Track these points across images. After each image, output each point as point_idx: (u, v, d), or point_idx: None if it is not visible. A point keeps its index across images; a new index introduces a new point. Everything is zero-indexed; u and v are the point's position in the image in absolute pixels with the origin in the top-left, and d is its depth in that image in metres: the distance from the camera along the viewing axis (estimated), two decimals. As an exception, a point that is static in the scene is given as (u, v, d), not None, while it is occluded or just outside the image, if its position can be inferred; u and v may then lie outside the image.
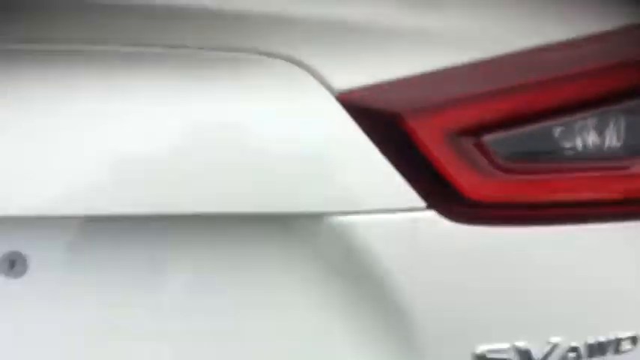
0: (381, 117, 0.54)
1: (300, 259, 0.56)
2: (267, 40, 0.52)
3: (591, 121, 0.59)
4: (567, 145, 0.59)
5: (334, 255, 0.56)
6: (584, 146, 0.60)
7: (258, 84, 0.52)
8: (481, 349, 0.59)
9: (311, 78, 0.53)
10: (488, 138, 0.56)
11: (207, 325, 0.56)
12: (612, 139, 0.60)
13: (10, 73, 0.49)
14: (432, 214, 0.55)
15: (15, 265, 0.54)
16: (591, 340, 0.63)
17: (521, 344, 0.60)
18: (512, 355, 0.60)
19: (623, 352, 0.65)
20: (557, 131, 0.58)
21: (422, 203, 0.55)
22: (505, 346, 0.60)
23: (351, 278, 0.56)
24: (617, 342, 0.64)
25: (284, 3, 0.53)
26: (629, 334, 0.65)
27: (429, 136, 0.55)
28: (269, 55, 0.52)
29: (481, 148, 0.56)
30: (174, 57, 0.51)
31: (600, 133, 0.60)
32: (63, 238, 0.54)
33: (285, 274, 0.57)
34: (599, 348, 0.64)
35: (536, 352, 0.61)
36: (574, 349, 0.62)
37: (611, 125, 0.60)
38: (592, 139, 0.60)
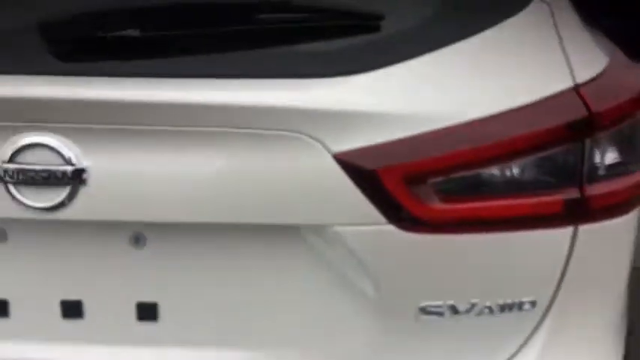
0: (361, 169, 0.86)
1: (306, 252, 0.92)
2: (289, 122, 0.85)
3: (500, 170, 0.90)
4: (481, 185, 0.90)
5: (330, 250, 0.91)
6: (495, 185, 0.91)
7: (282, 149, 0.86)
8: (423, 304, 0.95)
9: (317, 144, 0.85)
10: (430, 181, 0.88)
11: (240, 297, 0.94)
12: (512, 182, 0.91)
13: None
14: (390, 227, 0.88)
15: (139, 241, 0.93)
16: (500, 302, 0.97)
17: (450, 302, 0.95)
18: (444, 309, 0.95)
19: (525, 310, 0.99)
20: (475, 177, 0.89)
21: (384, 220, 0.88)
22: (439, 303, 0.95)
23: (339, 265, 0.92)
24: (520, 304, 0.98)
25: (299, 99, 0.85)
26: (530, 298, 0.98)
27: (392, 181, 0.87)
28: (290, 131, 0.85)
29: (425, 187, 0.88)
30: (227, 135, 0.84)
31: (506, 176, 0.90)
32: (169, 230, 0.92)
33: (296, 262, 0.93)
34: (506, 307, 0.97)
35: (461, 308, 0.96)
36: (488, 307, 0.97)
37: (513, 172, 0.90)
38: (500, 181, 0.91)
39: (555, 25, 1.00)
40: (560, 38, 0.98)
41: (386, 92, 0.87)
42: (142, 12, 0.86)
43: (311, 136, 0.84)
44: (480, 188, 0.91)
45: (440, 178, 0.88)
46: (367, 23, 0.90)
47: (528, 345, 1.01)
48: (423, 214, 0.88)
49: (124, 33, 0.83)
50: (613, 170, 0.96)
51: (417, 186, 0.87)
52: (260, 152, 0.85)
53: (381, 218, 0.87)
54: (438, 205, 0.89)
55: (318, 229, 0.89)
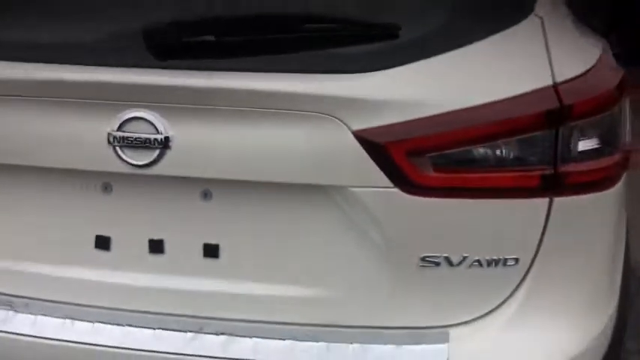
0: (373, 143, 1.12)
1: (333, 209, 1.18)
2: (321, 106, 1.12)
3: (485, 148, 1.14)
4: (469, 160, 1.14)
5: (350, 207, 1.17)
6: (481, 161, 1.15)
7: (315, 126, 1.13)
8: (423, 254, 1.19)
9: (340, 123, 1.12)
10: (427, 155, 1.12)
11: (282, 242, 1.21)
12: (496, 158, 1.14)
13: None
14: (395, 190, 1.14)
15: (207, 195, 1.23)
16: (488, 257, 1.20)
17: (445, 254, 1.19)
18: (441, 260, 1.19)
19: (509, 266, 1.21)
20: (464, 153, 1.14)
21: (391, 184, 1.14)
22: (437, 254, 1.19)
23: (357, 220, 1.18)
24: (505, 260, 1.21)
25: (328, 89, 1.12)
26: (513, 256, 1.21)
27: (398, 154, 1.12)
28: (322, 113, 1.12)
29: (423, 159, 1.13)
30: (275, 115, 1.12)
31: (490, 153, 1.14)
32: (230, 188, 1.21)
33: (325, 216, 1.19)
34: (493, 262, 1.20)
35: (454, 260, 1.19)
36: (477, 261, 1.20)
37: (496, 151, 1.14)
38: (485, 157, 1.14)
39: (545, 36, 1.22)
40: (547, 47, 1.21)
41: (394, 85, 1.13)
42: (216, 23, 1.17)
43: (337, 117, 1.12)
44: (467, 162, 1.15)
45: (435, 153, 1.13)
46: (385, 33, 1.17)
47: (512, 298, 1.23)
48: (421, 181, 1.13)
49: (202, 38, 1.14)
50: (585, 153, 1.18)
51: (416, 158, 1.13)
52: (299, 129, 1.13)
53: (388, 182, 1.13)
54: (433, 174, 1.14)
55: (341, 190, 1.16)
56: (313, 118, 1.12)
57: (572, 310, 1.27)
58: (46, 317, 1.28)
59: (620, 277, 1.43)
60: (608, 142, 1.22)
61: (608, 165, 1.21)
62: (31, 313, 1.29)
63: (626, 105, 1.36)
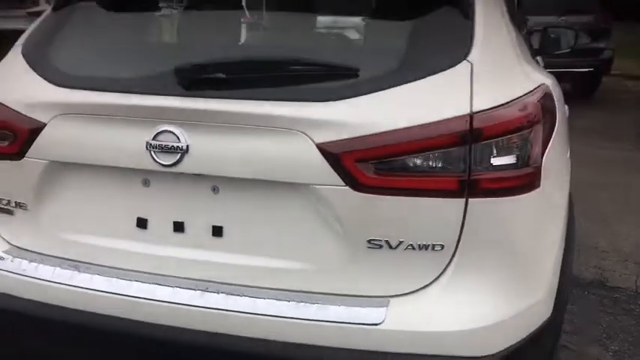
0: (332, 153, 1.53)
1: (303, 202, 1.59)
2: (293, 125, 1.55)
3: (414, 159, 1.52)
4: (402, 167, 1.53)
5: (315, 201, 1.58)
6: (411, 168, 1.53)
7: (289, 140, 1.56)
8: (369, 238, 1.58)
9: (307, 138, 1.55)
10: (371, 162, 1.52)
11: (267, 226, 1.62)
12: (423, 166, 1.52)
13: None
14: (346, 188, 1.54)
15: (215, 189, 1.67)
16: (419, 243, 1.57)
17: (386, 239, 1.57)
18: (383, 243, 1.58)
19: (437, 251, 1.58)
20: (398, 162, 1.52)
21: (343, 183, 1.54)
22: (379, 238, 1.57)
23: (321, 210, 1.57)
24: (433, 246, 1.58)
25: (299, 113, 1.55)
26: (439, 243, 1.57)
27: (348, 161, 1.53)
28: (294, 130, 1.55)
29: (367, 165, 1.52)
30: (260, 131, 1.56)
31: (418, 163, 1.52)
32: (232, 184, 1.65)
33: (298, 207, 1.59)
34: (424, 246, 1.57)
35: (393, 243, 1.57)
36: (411, 245, 1.58)
37: (423, 161, 1.52)
38: (414, 165, 1.52)
39: (471, 77, 1.60)
40: (472, 85, 1.58)
41: (348, 111, 1.54)
42: (223, 66, 1.63)
43: (305, 133, 1.54)
44: (401, 169, 1.54)
45: (376, 161, 1.53)
46: (345, 74, 1.59)
47: (441, 276, 1.59)
48: (365, 182, 1.53)
49: (212, 76, 1.60)
50: (497, 165, 1.54)
51: (362, 164, 1.53)
52: (277, 141, 1.56)
53: (341, 182, 1.54)
54: (375, 177, 1.53)
55: (308, 187, 1.58)
56: (289, 133, 1.55)
57: (489, 290, 1.61)
58: (99, 276, 1.75)
59: (552, 274, 1.75)
60: (519, 157, 1.58)
61: (518, 175, 1.57)
62: (88, 273, 1.76)
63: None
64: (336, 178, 1.53)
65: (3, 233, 1.89)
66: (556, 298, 1.80)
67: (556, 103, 1.87)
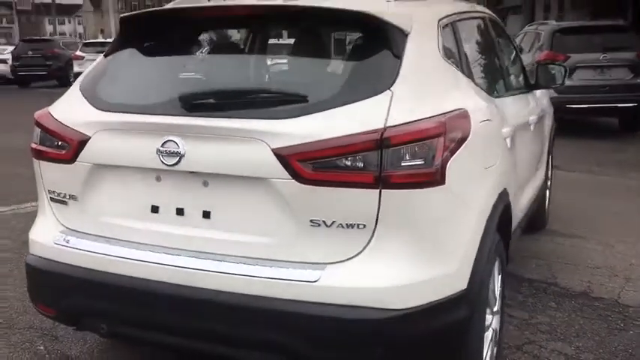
0: (282, 155, 2.12)
1: (266, 191, 2.17)
2: (255, 135, 2.15)
3: (341, 160, 2.09)
4: (332, 165, 2.09)
5: (273, 191, 2.15)
6: (339, 166, 2.10)
7: (252, 146, 2.17)
8: (310, 218, 2.15)
9: (265, 144, 2.15)
10: (309, 162, 2.09)
11: (238, 211, 2.23)
12: (347, 165, 2.09)
13: None
14: (293, 180, 2.11)
15: (206, 183, 2.29)
16: (347, 222, 2.12)
17: (323, 219, 2.13)
18: (320, 222, 2.13)
19: (360, 229, 2.13)
20: (330, 161, 2.08)
21: (290, 177, 2.12)
22: (318, 218, 2.13)
23: (277, 198, 2.15)
24: (358, 225, 2.11)
25: (260, 127, 2.16)
26: (362, 223, 2.12)
27: (293, 161, 2.11)
28: (246, 133, 2.15)
29: (307, 164, 2.09)
30: (231, 139, 2.18)
31: (343, 163, 2.09)
32: (218, 180, 2.27)
33: (262, 194, 2.17)
34: (350, 225, 2.12)
35: (328, 222, 2.11)
36: (341, 224, 2.13)
37: (348, 161, 2.09)
38: (341, 164, 2.09)
39: (390, 102, 2.15)
40: (390, 108, 2.14)
41: (295, 127, 2.13)
42: (209, 94, 2.28)
43: (264, 141, 2.15)
44: (332, 166, 2.10)
45: (313, 161, 2.11)
46: (297, 100, 2.20)
47: (364, 249, 2.14)
48: (306, 176, 2.11)
49: (202, 101, 2.25)
50: (404, 165, 2.09)
51: (303, 163, 2.11)
52: (246, 147, 2.17)
53: (289, 176, 2.12)
54: (312, 173, 2.11)
55: (267, 180, 2.17)
56: (254, 141, 2.16)
57: (402, 260, 2.13)
58: (124, 248, 2.39)
59: (463, 255, 2.27)
60: (424, 160, 2.11)
61: (422, 173, 2.11)
62: (118, 246, 2.41)
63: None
64: (285, 173, 2.12)
65: (59, 218, 2.57)
66: (470, 276, 2.31)
67: (471, 123, 2.38)
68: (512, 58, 4.20)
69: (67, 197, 2.51)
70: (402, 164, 2.09)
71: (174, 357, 3.17)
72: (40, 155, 2.56)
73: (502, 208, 2.63)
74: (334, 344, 2.11)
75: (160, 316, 2.29)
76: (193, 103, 2.26)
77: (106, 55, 2.75)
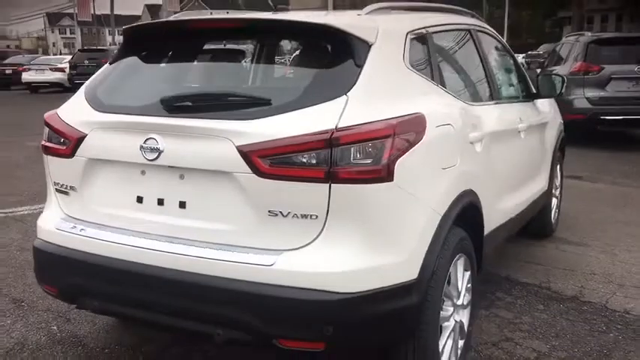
0: (244, 152, 2.37)
1: (231, 183, 2.41)
2: (222, 133, 2.42)
3: (294, 157, 2.32)
4: (286, 162, 2.32)
5: (237, 183, 2.39)
6: (294, 162, 2.33)
7: (218, 143, 2.42)
8: (269, 209, 2.38)
9: (230, 142, 2.40)
10: (267, 158, 2.33)
11: (208, 203, 2.48)
12: (301, 162, 2.31)
13: None
14: (253, 175, 2.35)
15: (182, 177, 2.57)
16: (302, 213, 2.34)
17: (280, 210, 2.36)
18: (278, 212, 2.37)
19: (314, 219, 2.36)
20: (286, 158, 2.33)
21: (251, 172, 2.37)
22: (275, 209, 2.37)
23: (240, 190, 2.39)
24: (311, 215, 2.35)
25: (226, 127, 2.42)
26: (315, 214, 2.35)
27: (254, 157, 2.36)
28: (215, 132, 2.40)
29: (265, 160, 2.33)
30: (200, 137, 2.45)
31: (297, 160, 2.33)
32: (192, 174, 2.54)
33: (229, 188, 2.42)
34: (305, 216, 2.34)
35: (284, 213, 2.34)
36: (296, 214, 2.36)
37: (302, 159, 2.32)
38: (295, 161, 2.32)
39: (345, 106, 2.37)
40: (343, 111, 2.37)
41: (257, 127, 2.37)
42: (184, 98, 2.55)
43: (230, 139, 2.41)
44: (287, 162, 2.33)
45: (271, 157, 2.35)
46: (261, 103, 2.45)
47: (317, 237, 2.36)
48: (264, 171, 2.35)
49: (179, 104, 2.53)
50: (352, 162, 2.31)
51: (262, 159, 2.35)
52: (214, 144, 2.43)
53: (249, 171, 2.37)
54: (270, 168, 2.35)
55: (231, 174, 2.41)
56: (221, 140, 2.41)
57: (351, 248, 2.34)
58: (113, 233, 2.67)
59: (414, 247, 2.47)
60: (372, 158, 2.33)
61: (370, 170, 2.32)
62: (108, 232, 2.70)
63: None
64: (246, 168, 2.37)
65: (62, 206, 2.89)
66: (422, 268, 2.51)
67: (427, 127, 2.58)
68: (506, 68, 4.35)
69: (68, 188, 2.83)
70: (351, 162, 2.30)
71: (171, 337, 3.46)
72: (47, 151, 2.89)
73: (463, 206, 2.81)
74: (287, 323, 2.34)
75: (140, 295, 2.57)
76: (172, 105, 2.54)
77: (110, 63, 3.07)
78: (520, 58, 18.53)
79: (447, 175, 2.71)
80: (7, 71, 26.58)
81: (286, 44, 2.88)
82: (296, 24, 2.68)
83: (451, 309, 2.86)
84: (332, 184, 2.30)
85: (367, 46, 2.58)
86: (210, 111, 2.50)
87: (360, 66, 2.51)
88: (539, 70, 12.79)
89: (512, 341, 3.50)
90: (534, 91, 4.57)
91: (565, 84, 4.44)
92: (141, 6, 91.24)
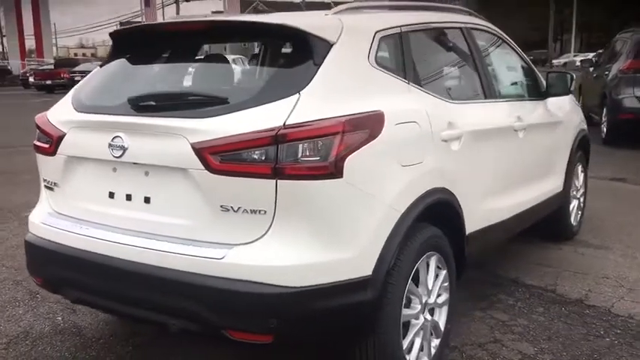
0: (197, 149, 2.44)
1: (187, 179, 2.49)
2: (177, 131, 2.52)
3: (243, 153, 2.39)
4: (234, 158, 2.39)
5: (192, 179, 2.47)
6: (241, 158, 2.39)
7: (174, 141, 2.51)
8: (221, 204, 2.47)
9: (185, 139, 2.49)
10: (218, 155, 2.41)
11: (165, 196, 2.58)
12: (250, 158, 2.38)
13: None
14: (205, 171, 2.42)
15: (147, 174, 2.68)
16: (251, 208, 2.39)
17: (231, 205, 2.43)
18: (229, 207, 2.43)
19: (262, 214, 2.41)
20: (234, 154, 2.39)
21: (203, 168, 2.44)
22: (226, 204, 2.45)
23: (196, 185, 2.46)
24: (260, 210, 2.38)
25: (180, 124, 2.51)
26: (263, 209, 2.41)
27: (206, 154, 2.43)
28: (172, 130, 2.50)
29: (216, 156, 2.40)
30: (157, 134, 2.55)
31: (247, 155, 2.39)
32: (155, 170, 2.65)
33: (186, 183, 2.50)
34: (254, 211, 2.38)
35: (235, 208, 2.43)
36: (246, 209, 2.41)
37: (249, 155, 2.39)
38: (241, 158, 2.39)
39: (296, 104, 2.42)
40: (294, 108, 2.41)
41: (210, 125, 2.45)
42: (147, 98, 2.66)
43: (185, 137, 2.50)
44: (237, 159, 2.39)
45: (221, 154, 2.42)
46: (217, 102, 2.53)
47: (267, 232, 2.42)
48: (215, 167, 2.42)
49: (143, 104, 2.64)
50: (298, 158, 2.35)
51: (213, 156, 2.42)
52: (172, 142, 2.52)
53: (202, 167, 2.44)
54: (220, 164, 2.42)
55: (187, 170, 2.50)
56: (177, 137, 2.50)
57: (299, 243, 2.38)
58: (88, 227, 2.81)
59: (366, 244, 2.49)
60: (320, 155, 2.37)
61: (318, 167, 2.36)
62: (83, 226, 2.84)
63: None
64: (199, 164, 2.44)
65: (50, 202, 3.06)
66: (377, 264, 2.52)
67: (385, 124, 2.59)
68: (507, 66, 4.28)
69: (53, 184, 2.99)
70: (298, 158, 2.35)
71: (159, 330, 3.58)
72: (37, 150, 3.06)
73: (431, 204, 2.80)
74: (234, 314, 2.40)
75: (109, 287, 2.70)
76: (137, 105, 2.65)
77: (101, 66, 3.23)
78: (590, 56, 17.99)
79: (408, 173, 2.71)
80: (77, 78, 27.80)
81: (250, 45, 2.95)
82: (259, 25, 2.75)
83: (419, 306, 2.85)
84: (278, 180, 2.35)
85: (328, 45, 2.62)
86: (170, 110, 2.59)
87: (318, 65, 2.56)
88: (591, 69, 12.36)
89: (500, 343, 3.44)
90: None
91: (574, 82, 4.32)
92: (208, 13, 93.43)
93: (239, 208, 2.41)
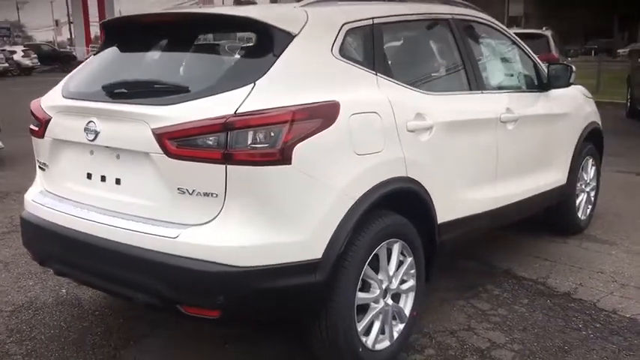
0: (157, 134, 2.59)
1: (150, 162, 2.65)
2: (140, 118, 2.67)
3: (199, 139, 2.54)
4: (189, 144, 2.55)
5: (154, 163, 2.63)
6: (197, 145, 2.54)
7: (137, 126, 2.68)
8: (178, 186, 2.62)
9: (147, 125, 2.65)
10: (174, 140, 2.55)
11: (132, 180, 2.76)
12: (203, 143, 2.53)
13: None
14: (164, 155, 2.58)
15: (119, 157, 2.87)
16: (204, 191, 2.55)
17: (187, 188, 2.59)
18: (184, 190, 2.60)
19: (214, 197, 2.55)
20: (189, 140, 2.55)
21: (162, 152, 2.60)
22: (184, 187, 2.60)
23: (157, 168, 2.63)
24: (212, 194, 2.55)
25: (143, 111, 2.67)
26: (215, 192, 2.55)
27: (164, 139, 2.58)
28: (136, 116, 2.66)
29: (173, 141, 2.55)
30: (124, 120, 2.73)
31: (201, 141, 2.55)
32: (125, 154, 2.83)
33: (149, 166, 2.67)
34: (207, 194, 2.53)
35: (190, 191, 2.57)
36: (201, 192, 2.57)
37: (202, 142, 2.54)
38: (197, 143, 2.55)
39: (250, 92, 2.55)
40: (247, 97, 2.54)
41: (171, 112, 2.59)
42: (119, 86, 2.85)
43: (147, 122, 2.66)
44: (191, 145, 2.54)
45: (177, 139, 2.56)
46: (179, 90, 2.69)
47: (219, 214, 2.56)
48: (172, 152, 2.57)
49: (115, 91, 2.83)
50: (248, 145, 2.48)
51: (171, 141, 2.57)
52: (135, 127, 2.68)
53: (161, 151, 2.59)
54: (176, 149, 2.57)
55: (149, 154, 2.65)
56: (141, 123, 2.66)
57: (248, 225, 2.51)
58: (69, 205, 3.02)
59: (316, 227, 2.60)
60: (268, 142, 2.49)
61: (266, 153, 2.47)
62: (64, 204, 3.05)
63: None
64: (159, 149, 2.59)
65: (42, 181, 3.29)
66: (327, 248, 2.64)
67: (340, 114, 2.68)
68: (501, 58, 4.27)
69: (44, 165, 3.22)
70: (248, 145, 2.48)
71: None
72: (32, 133, 3.30)
73: (391, 192, 2.88)
74: (185, 290, 2.56)
75: (83, 261, 2.91)
76: (110, 91, 2.84)
77: (94, 55, 3.44)
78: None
79: (364, 161, 2.79)
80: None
81: (216, 37, 3.09)
82: (223, 17, 2.89)
83: (377, 291, 2.94)
84: (228, 165, 2.48)
85: (289, 36, 2.73)
86: (137, 97, 2.76)
87: (277, 56, 2.67)
88: None
89: (473, 331, 3.49)
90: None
91: (573, 73, 4.28)
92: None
93: (193, 190, 2.56)
